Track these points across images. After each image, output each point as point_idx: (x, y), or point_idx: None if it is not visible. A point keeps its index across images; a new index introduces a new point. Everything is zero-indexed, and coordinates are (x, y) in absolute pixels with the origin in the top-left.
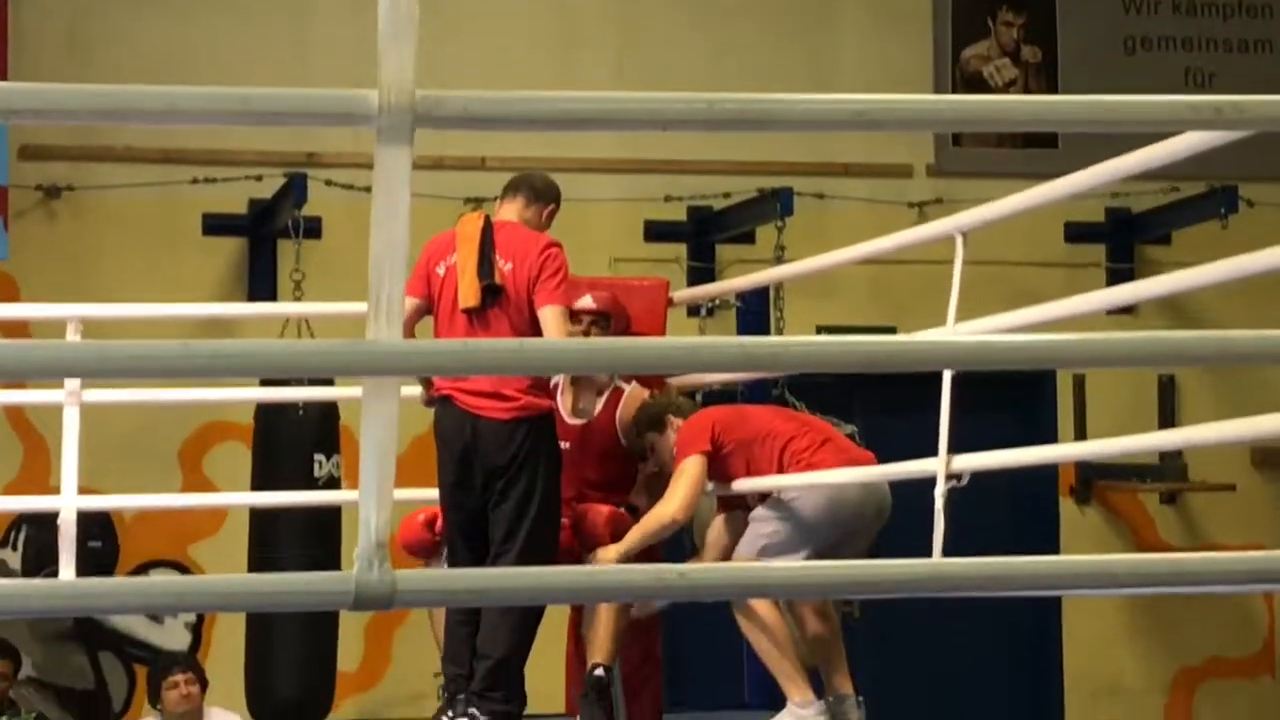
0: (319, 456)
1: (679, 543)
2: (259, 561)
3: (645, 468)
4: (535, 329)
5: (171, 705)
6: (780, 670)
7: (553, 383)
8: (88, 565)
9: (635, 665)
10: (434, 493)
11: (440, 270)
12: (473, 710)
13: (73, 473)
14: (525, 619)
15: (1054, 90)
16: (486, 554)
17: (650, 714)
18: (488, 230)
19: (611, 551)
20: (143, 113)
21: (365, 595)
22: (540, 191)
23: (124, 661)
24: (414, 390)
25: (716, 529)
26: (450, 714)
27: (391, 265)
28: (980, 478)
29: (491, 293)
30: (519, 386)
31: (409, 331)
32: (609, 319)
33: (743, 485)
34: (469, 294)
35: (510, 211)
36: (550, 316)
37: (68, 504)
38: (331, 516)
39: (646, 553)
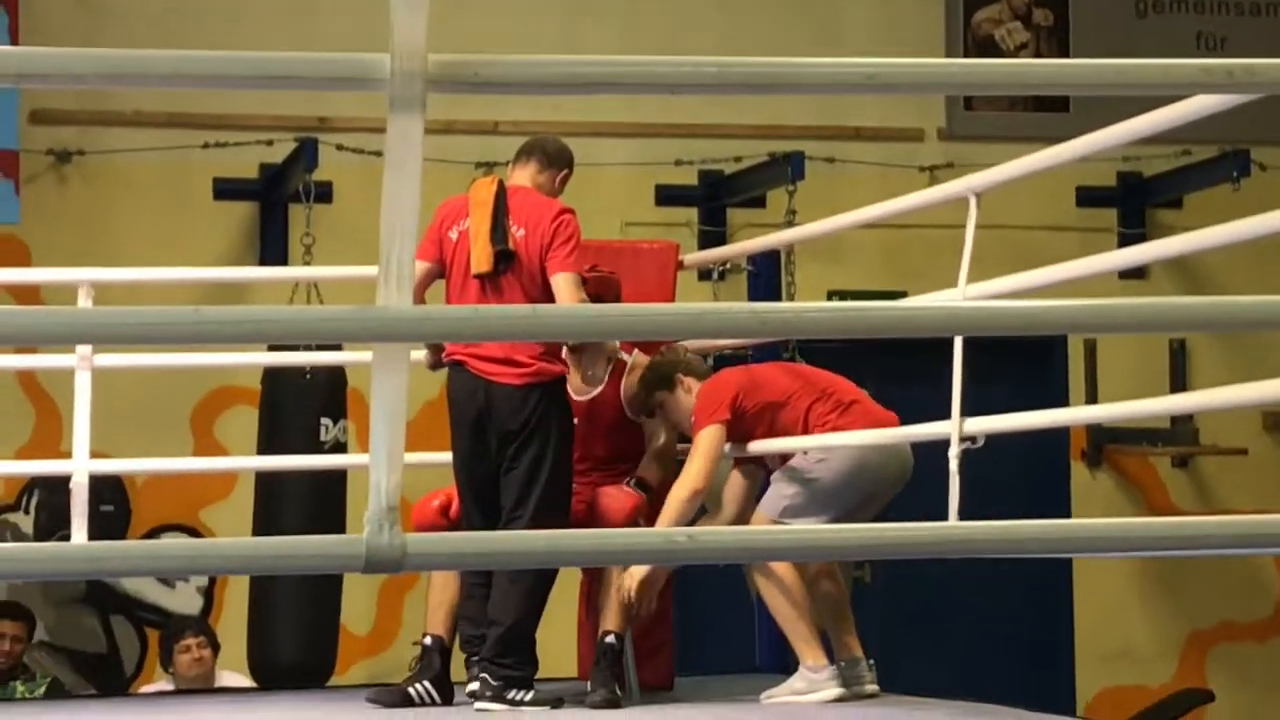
0: (326, 421)
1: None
2: (264, 525)
3: (649, 425)
4: (547, 295)
5: (183, 669)
6: (796, 633)
7: (564, 353)
8: (99, 529)
9: (647, 629)
10: (444, 456)
11: (453, 235)
12: (485, 675)
13: (84, 437)
14: (536, 585)
15: (1065, 54)
16: (499, 520)
17: (662, 677)
18: (501, 195)
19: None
20: (152, 76)
21: (376, 558)
22: (553, 157)
23: (136, 625)
24: (422, 354)
25: (732, 487)
26: (431, 683)
27: (402, 231)
28: (991, 442)
29: (504, 259)
30: (532, 352)
31: (419, 296)
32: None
33: (764, 447)
34: (482, 260)
35: (523, 177)
36: (563, 284)
37: (80, 468)
38: (337, 481)
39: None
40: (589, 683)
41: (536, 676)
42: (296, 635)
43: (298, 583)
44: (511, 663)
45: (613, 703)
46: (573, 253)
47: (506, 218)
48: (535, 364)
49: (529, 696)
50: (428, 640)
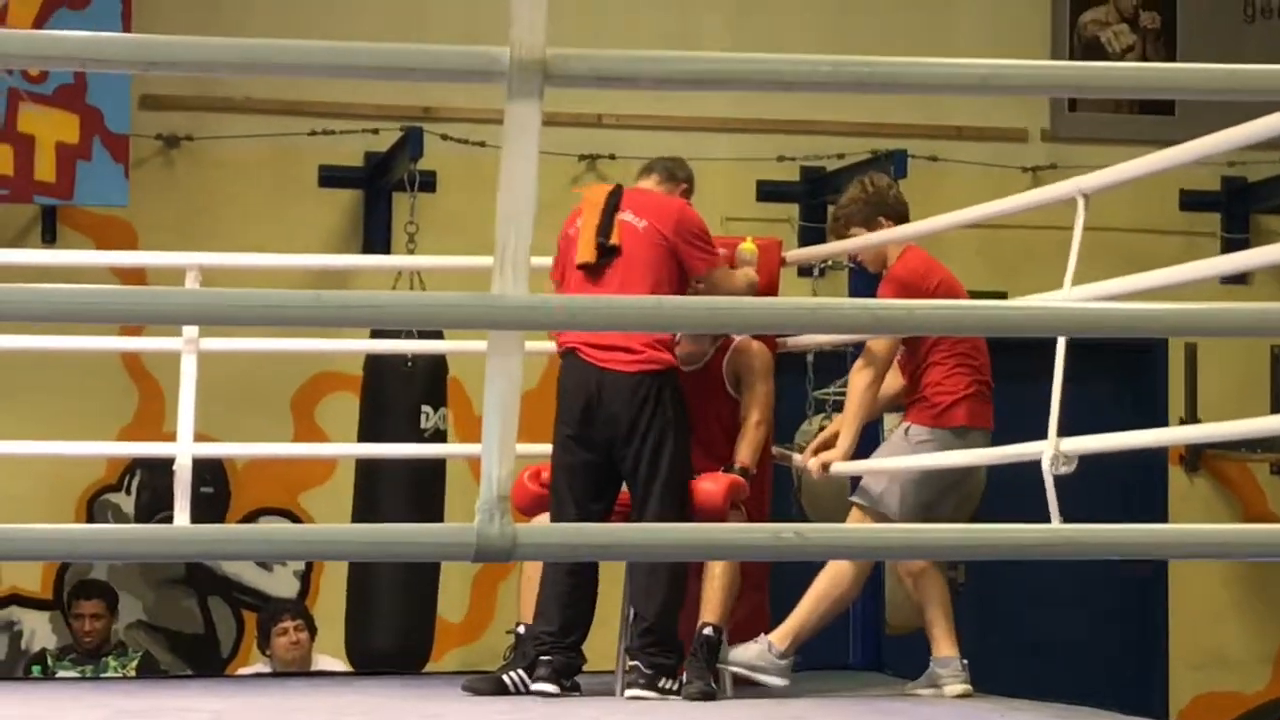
0: (426, 408)
1: (787, 508)
2: (363, 513)
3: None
4: (661, 284)
5: (280, 651)
6: (938, 624)
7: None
8: (199, 511)
9: (742, 623)
10: (547, 448)
11: (571, 233)
12: (637, 664)
13: (189, 419)
14: (675, 573)
15: (1172, 57)
16: (595, 510)
17: None
18: (614, 194)
19: (837, 452)
20: (280, 66)
21: (486, 547)
22: (674, 173)
23: (233, 607)
24: (534, 345)
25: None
26: (525, 671)
27: (519, 220)
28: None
29: (606, 252)
30: (645, 341)
31: None
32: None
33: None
34: (586, 250)
35: (645, 184)
36: (720, 278)
37: (184, 450)
38: (436, 469)
39: (757, 506)
40: (685, 674)
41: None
42: (394, 622)
43: (396, 570)
44: (659, 650)
45: (708, 695)
46: (709, 246)
47: (614, 215)
48: (648, 351)
49: (677, 686)
50: (521, 629)
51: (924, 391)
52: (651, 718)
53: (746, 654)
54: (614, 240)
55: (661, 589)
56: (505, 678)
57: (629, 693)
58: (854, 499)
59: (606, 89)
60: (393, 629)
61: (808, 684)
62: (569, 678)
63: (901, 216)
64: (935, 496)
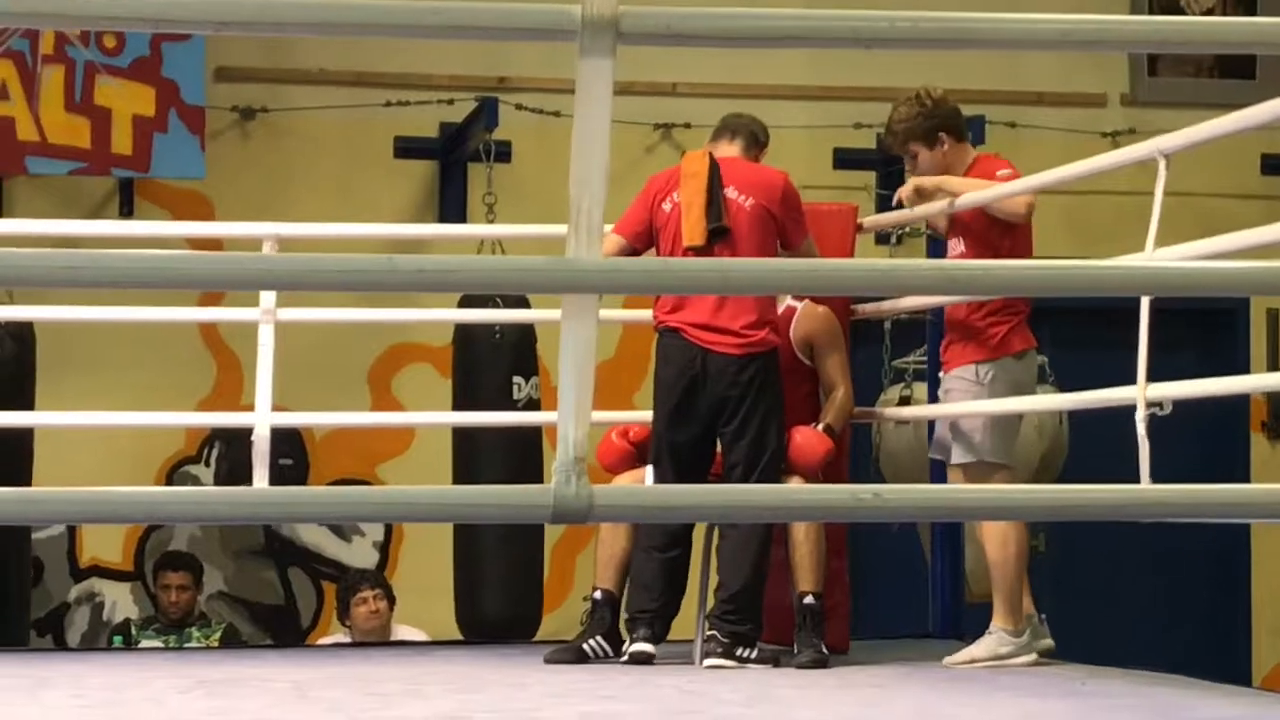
0: (518, 379)
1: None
2: (462, 483)
3: (828, 374)
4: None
5: (360, 621)
6: (1009, 589)
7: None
8: (278, 482)
9: (823, 592)
10: (623, 415)
11: (666, 207)
12: (714, 632)
13: (267, 390)
14: (764, 547)
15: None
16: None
17: (839, 640)
18: (715, 168)
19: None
20: (347, 25)
21: (563, 509)
22: (757, 136)
23: (313, 578)
24: (610, 314)
25: None
26: (604, 638)
27: (592, 183)
28: (1170, 413)
29: (718, 235)
30: (749, 322)
31: None
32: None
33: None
34: (695, 233)
35: (731, 151)
36: (809, 247)
37: (262, 420)
38: (533, 441)
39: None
40: (795, 645)
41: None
42: (501, 591)
43: (501, 541)
44: (739, 619)
45: (821, 662)
46: (803, 218)
47: (721, 192)
48: (755, 334)
49: (755, 654)
50: (598, 595)
51: (978, 326)
52: (729, 685)
53: (982, 651)
54: (725, 222)
55: (749, 561)
56: (585, 646)
57: (707, 662)
58: (956, 462)
59: (679, 46)
60: (500, 598)
61: (889, 653)
62: (663, 637)
63: (961, 132)
64: (1018, 425)
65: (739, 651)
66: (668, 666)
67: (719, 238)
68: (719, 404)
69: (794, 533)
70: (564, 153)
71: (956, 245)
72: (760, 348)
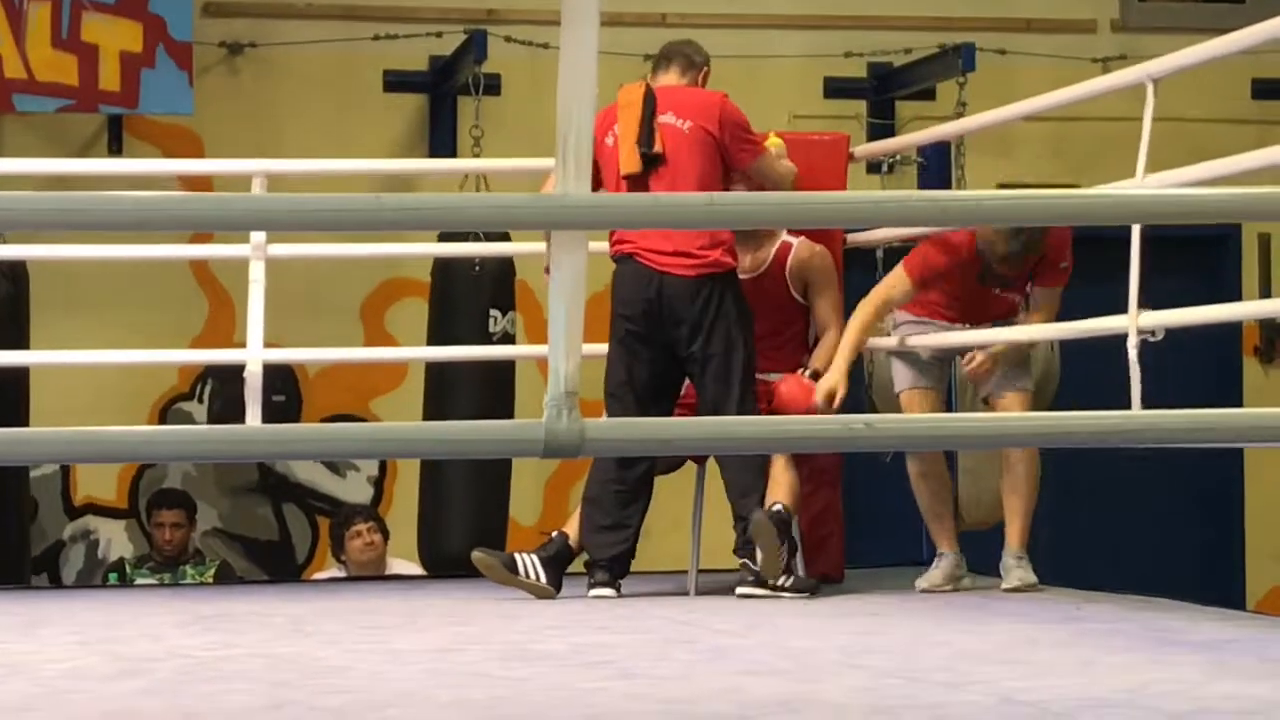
0: (495, 312)
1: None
2: (435, 418)
3: (820, 314)
4: (712, 186)
5: (355, 554)
6: (1027, 517)
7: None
8: (271, 419)
9: (816, 520)
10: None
11: (609, 141)
12: (746, 561)
13: (259, 326)
14: (763, 470)
15: None
16: (655, 411)
17: (834, 569)
18: (649, 97)
19: (830, 382)
20: None
21: (555, 443)
22: (692, 59)
23: (307, 514)
24: (599, 245)
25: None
26: (540, 560)
27: (580, 116)
28: (1163, 339)
29: (650, 162)
30: (703, 244)
31: None
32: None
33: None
34: (629, 161)
35: (669, 80)
36: (765, 165)
37: (254, 357)
38: (506, 373)
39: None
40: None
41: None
42: (466, 525)
43: (467, 473)
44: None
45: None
46: (751, 136)
47: (654, 120)
48: (709, 254)
49: (789, 583)
50: (555, 534)
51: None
52: (723, 615)
53: (1017, 576)
54: (657, 147)
55: (757, 487)
56: (518, 557)
57: (739, 590)
58: (1020, 388)
59: None
60: (465, 532)
61: (884, 581)
62: (622, 577)
63: None
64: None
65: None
66: (662, 598)
67: (654, 164)
68: (676, 327)
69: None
70: (553, 85)
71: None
72: (714, 268)
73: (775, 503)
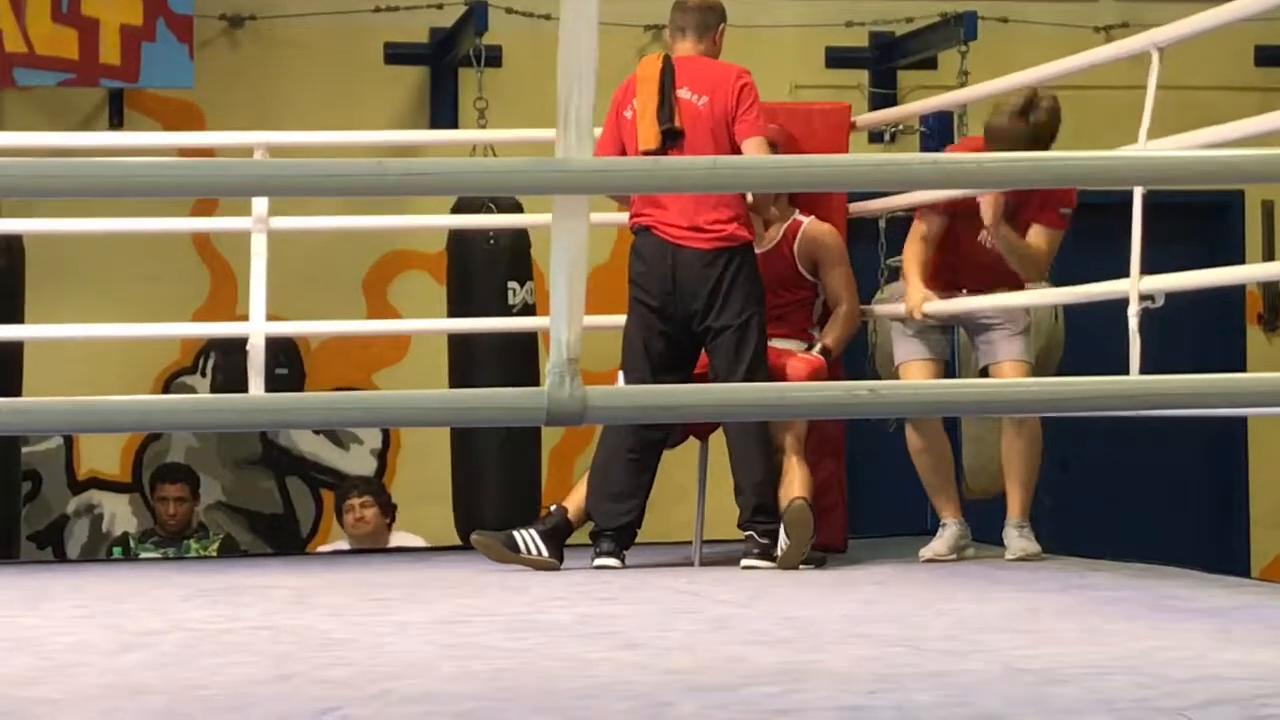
0: (513, 284)
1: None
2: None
3: (832, 288)
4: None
5: (349, 528)
6: (1029, 487)
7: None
8: (274, 391)
9: (819, 490)
10: (620, 318)
11: (628, 114)
12: (751, 533)
13: (261, 299)
14: (767, 445)
15: None
16: (668, 381)
17: (837, 539)
18: (667, 70)
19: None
20: None
21: (557, 411)
22: (704, 21)
23: (311, 487)
24: (604, 216)
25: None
26: (539, 534)
27: (581, 82)
28: (1165, 306)
29: (671, 136)
30: (719, 218)
31: None
32: (776, 150)
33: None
34: (648, 136)
35: (686, 48)
36: (754, 146)
37: (256, 330)
38: (529, 345)
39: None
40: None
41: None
42: (499, 498)
43: (499, 447)
44: (769, 520)
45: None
46: (759, 116)
47: (673, 95)
48: (724, 228)
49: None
50: (553, 507)
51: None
52: (727, 585)
53: (1020, 545)
54: (677, 124)
55: (762, 461)
56: (517, 534)
57: (744, 562)
58: (1018, 357)
59: None
60: (498, 505)
61: (887, 550)
62: (627, 548)
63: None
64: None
65: (774, 552)
66: (666, 569)
67: (673, 139)
68: (692, 298)
69: (779, 443)
70: (555, 56)
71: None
72: (730, 242)
73: (798, 497)
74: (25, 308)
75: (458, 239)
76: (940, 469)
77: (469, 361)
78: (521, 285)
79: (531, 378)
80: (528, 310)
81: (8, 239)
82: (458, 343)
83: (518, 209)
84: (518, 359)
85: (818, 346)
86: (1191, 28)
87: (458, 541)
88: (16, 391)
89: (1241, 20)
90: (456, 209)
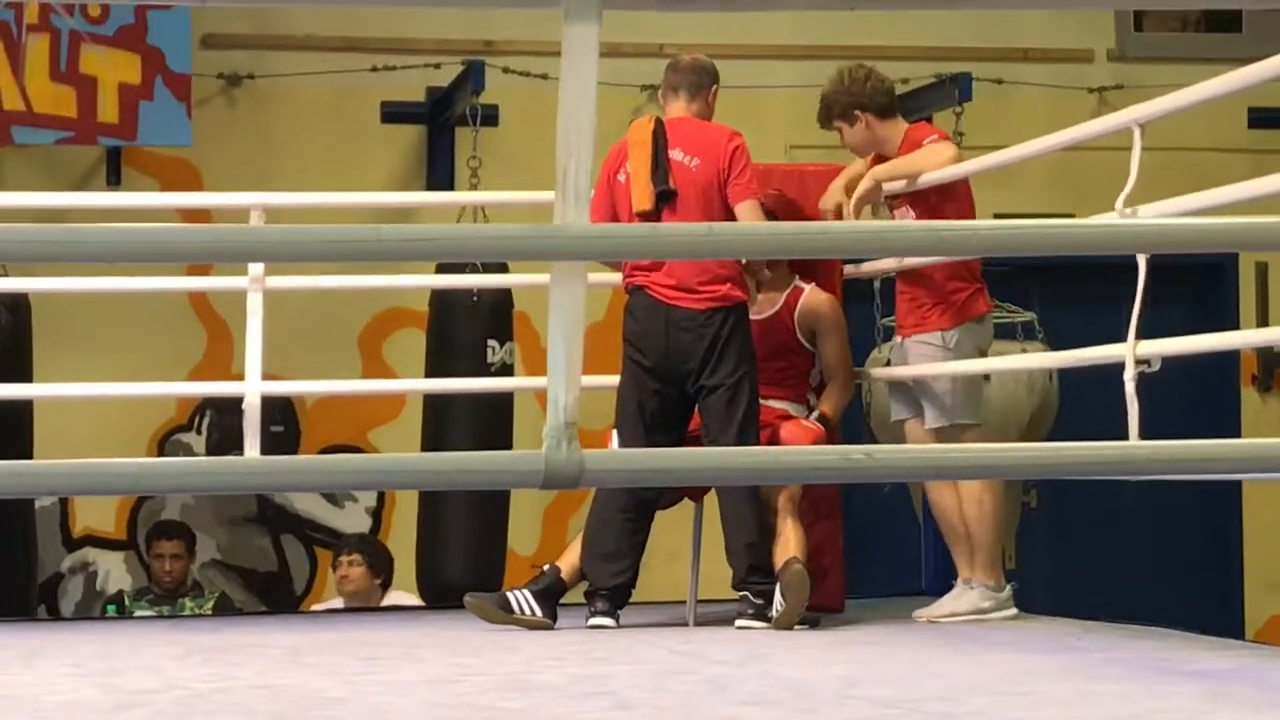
0: (493, 343)
1: (855, 428)
2: (432, 448)
3: (829, 358)
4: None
5: (338, 587)
6: (988, 549)
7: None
8: (270, 450)
9: (815, 551)
10: (615, 379)
11: (620, 178)
12: (746, 593)
13: (257, 358)
14: (759, 505)
15: None
16: (662, 442)
17: (833, 599)
18: (659, 132)
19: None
20: None
21: (554, 474)
22: (697, 81)
23: (305, 545)
24: (600, 276)
25: None
26: (532, 594)
27: (579, 147)
28: (1161, 368)
29: (665, 198)
30: (713, 278)
31: None
32: (776, 219)
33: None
34: (642, 198)
35: (678, 109)
36: (747, 210)
37: (252, 389)
38: (505, 404)
39: None
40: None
41: (709, 596)
42: (464, 556)
43: (466, 504)
44: (763, 580)
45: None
46: (753, 179)
47: (666, 156)
48: (718, 288)
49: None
50: (546, 567)
51: (943, 291)
52: (721, 646)
53: (965, 604)
54: (671, 185)
55: (754, 520)
56: (511, 595)
57: (739, 623)
58: (932, 426)
59: (665, 11)
60: (463, 562)
61: (883, 611)
62: (621, 608)
63: (883, 109)
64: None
65: (769, 612)
66: (661, 629)
67: (666, 201)
68: (686, 358)
69: (781, 515)
70: (552, 116)
71: (906, 213)
72: (724, 302)
73: (794, 559)
74: (34, 364)
75: (441, 295)
76: (944, 523)
77: (443, 418)
78: (501, 344)
79: (505, 436)
80: (505, 370)
81: (14, 296)
82: (432, 399)
83: (503, 269)
84: (493, 418)
85: (815, 413)
86: (1175, 104)
87: (449, 601)
88: (27, 442)
89: (1230, 94)
90: (441, 269)
